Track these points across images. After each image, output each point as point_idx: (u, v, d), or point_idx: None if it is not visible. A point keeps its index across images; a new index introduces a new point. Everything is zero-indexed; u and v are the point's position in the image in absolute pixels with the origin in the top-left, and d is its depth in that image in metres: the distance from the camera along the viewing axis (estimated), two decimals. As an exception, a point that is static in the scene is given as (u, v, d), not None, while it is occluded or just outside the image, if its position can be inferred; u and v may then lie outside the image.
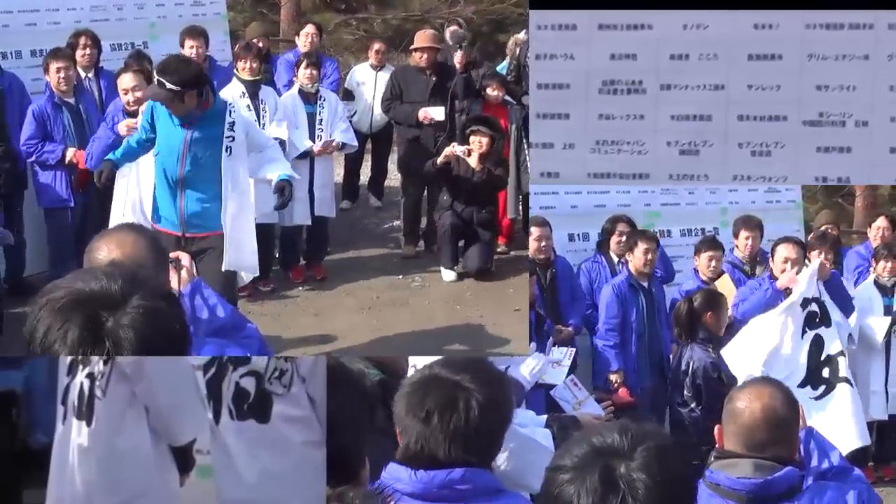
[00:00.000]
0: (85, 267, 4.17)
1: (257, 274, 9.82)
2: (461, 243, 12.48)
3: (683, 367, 9.46)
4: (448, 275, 12.30)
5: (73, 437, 4.56)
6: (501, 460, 5.85)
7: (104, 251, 4.26)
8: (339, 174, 13.91)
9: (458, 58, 12.93)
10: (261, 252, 11.43)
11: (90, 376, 4.52)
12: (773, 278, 9.90)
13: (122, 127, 9.81)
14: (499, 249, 12.94)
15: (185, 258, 4.89)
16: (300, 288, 12.19)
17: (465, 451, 3.67)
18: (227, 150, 8.85)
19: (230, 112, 8.92)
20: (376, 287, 12.16)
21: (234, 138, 8.85)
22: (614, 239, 11.09)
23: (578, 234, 11.72)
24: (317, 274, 12.41)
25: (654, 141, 5.71)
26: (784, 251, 9.97)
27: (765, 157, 5.68)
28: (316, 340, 10.70)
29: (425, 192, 13.15)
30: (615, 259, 11.10)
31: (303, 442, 4.37)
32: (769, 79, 5.70)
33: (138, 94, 10.15)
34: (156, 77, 8.62)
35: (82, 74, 11.54)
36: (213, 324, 4.73)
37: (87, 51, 11.61)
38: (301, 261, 12.55)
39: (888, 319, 10.97)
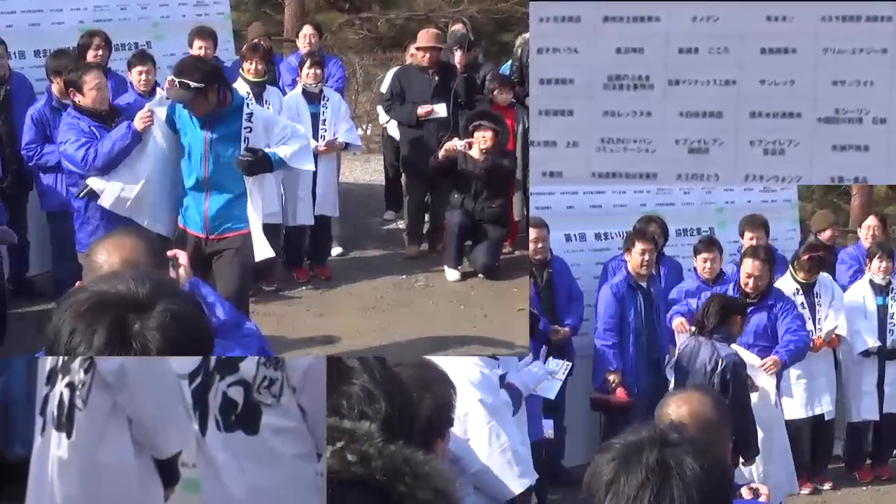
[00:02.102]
0: (85, 270, 4.11)
1: (273, 255, 9.62)
2: (468, 243, 12.33)
3: (711, 365, 9.22)
4: (452, 274, 12.15)
5: (52, 450, 4.31)
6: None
7: (103, 255, 4.12)
8: (343, 174, 13.73)
9: (458, 58, 12.73)
10: None
11: (70, 386, 4.26)
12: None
13: (139, 122, 9.49)
14: (504, 250, 12.73)
15: (181, 256, 4.74)
16: (304, 288, 12.04)
17: None
18: (244, 141, 8.76)
19: (247, 104, 8.93)
20: (380, 287, 12.02)
21: (251, 129, 8.77)
22: None
23: (575, 235, 11.45)
24: (321, 274, 12.27)
25: (661, 139, 5.41)
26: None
27: (778, 155, 5.38)
28: (320, 340, 10.55)
29: (428, 191, 12.96)
30: None
31: (293, 455, 4.17)
32: (782, 74, 5.39)
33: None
34: (175, 80, 8.53)
35: None
36: (212, 323, 4.40)
37: (100, 52, 11.34)
38: (305, 260, 12.39)
39: (877, 341, 10.92)
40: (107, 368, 4.17)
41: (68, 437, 4.26)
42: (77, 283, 4.19)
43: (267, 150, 8.79)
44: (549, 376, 8.02)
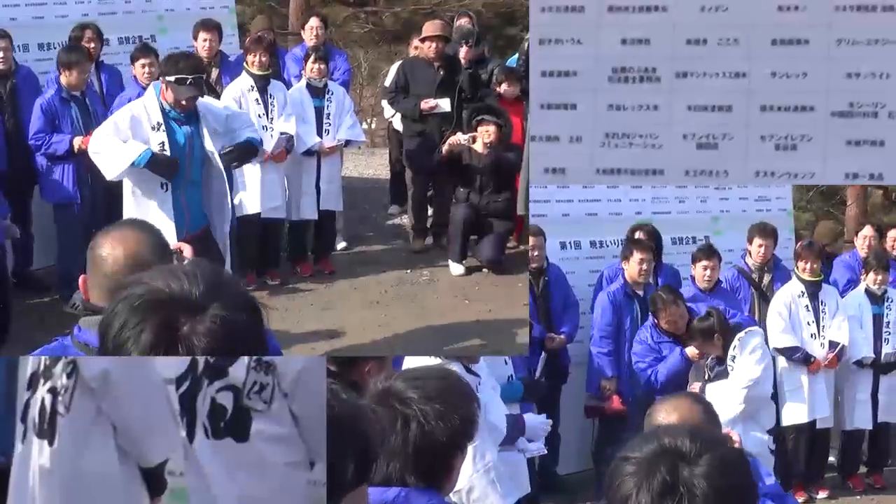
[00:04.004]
0: (89, 263, 4.06)
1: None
2: (473, 237, 12.22)
3: None
4: (456, 268, 12.02)
5: (33, 458, 4.07)
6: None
7: (107, 248, 4.06)
8: (347, 168, 13.63)
9: (463, 53, 12.55)
10: (268, 246, 11.70)
11: (52, 391, 4.05)
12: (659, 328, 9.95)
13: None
14: (509, 244, 12.60)
15: (186, 249, 4.64)
16: (308, 282, 11.90)
17: (406, 469, 3.55)
18: (209, 132, 8.80)
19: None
20: (384, 281, 11.90)
21: (207, 120, 8.86)
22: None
23: (570, 243, 11.41)
24: (325, 268, 12.14)
25: (668, 134, 5.15)
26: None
27: (790, 151, 5.12)
28: (323, 335, 10.46)
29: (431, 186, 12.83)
30: None
31: (285, 463, 3.88)
32: (794, 65, 5.12)
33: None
34: (180, 77, 8.49)
35: None
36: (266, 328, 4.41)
37: (92, 45, 11.37)
38: (309, 255, 12.25)
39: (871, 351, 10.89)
40: (90, 373, 3.95)
41: (50, 444, 4.03)
42: (81, 277, 4.11)
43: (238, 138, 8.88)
44: (518, 451, 7.78)
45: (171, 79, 8.50)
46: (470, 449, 6.06)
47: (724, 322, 9.53)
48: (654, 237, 10.74)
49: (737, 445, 4.78)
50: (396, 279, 11.93)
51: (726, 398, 9.21)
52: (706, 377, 9.49)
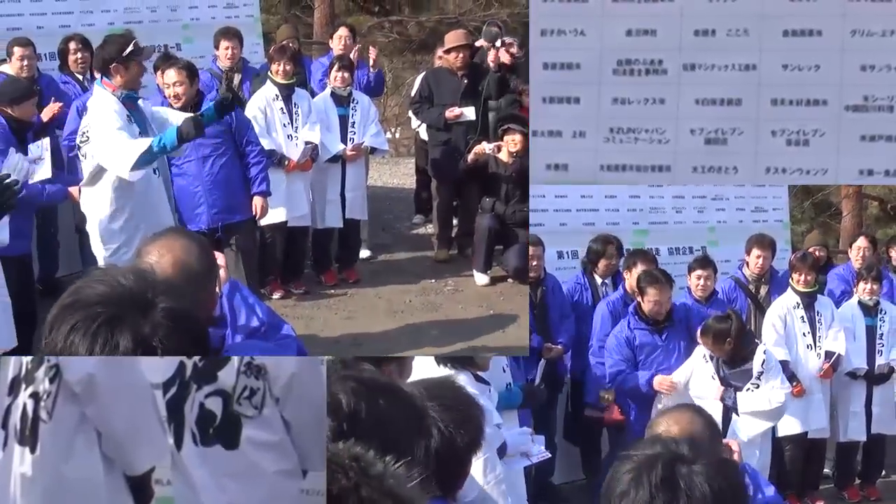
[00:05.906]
0: None
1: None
2: (498, 247, 12.05)
3: None
4: (481, 278, 11.84)
5: (14, 466, 3.92)
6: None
7: (154, 255, 4.07)
8: (372, 178, 13.49)
9: (491, 56, 12.34)
10: (293, 254, 11.55)
11: (34, 396, 3.89)
12: None
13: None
14: (532, 253, 12.38)
15: (220, 258, 4.58)
16: (332, 290, 11.76)
17: (426, 476, 3.34)
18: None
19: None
20: (409, 290, 11.75)
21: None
22: (603, 262, 10.63)
23: (567, 252, 11.29)
24: (349, 277, 12.00)
25: (675, 128, 4.96)
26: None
27: (802, 146, 4.93)
28: (347, 342, 10.31)
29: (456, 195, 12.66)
30: (599, 281, 10.64)
31: (276, 471, 3.83)
32: (807, 58, 4.94)
33: (179, 89, 9.46)
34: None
35: (79, 78, 11.22)
36: (251, 324, 4.54)
37: (79, 55, 11.31)
38: (333, 263, 12.12)
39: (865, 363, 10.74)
40: (74, 377, 3.81)
41: (32, 452, 3.90)
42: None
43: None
44: (521, 454, 7.54)
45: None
46: (482, 461, 5.93)
47: (742, 329, 9.30)
48: (620, 250, 10.64)
49: (735, 456, 4.76)
50: (421, 289, 11.79)
51: (761, 414, 9.10)
52: (720, 376, 9.23)
